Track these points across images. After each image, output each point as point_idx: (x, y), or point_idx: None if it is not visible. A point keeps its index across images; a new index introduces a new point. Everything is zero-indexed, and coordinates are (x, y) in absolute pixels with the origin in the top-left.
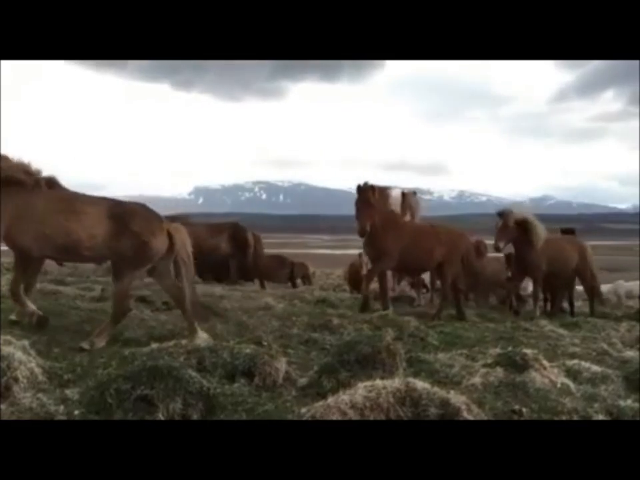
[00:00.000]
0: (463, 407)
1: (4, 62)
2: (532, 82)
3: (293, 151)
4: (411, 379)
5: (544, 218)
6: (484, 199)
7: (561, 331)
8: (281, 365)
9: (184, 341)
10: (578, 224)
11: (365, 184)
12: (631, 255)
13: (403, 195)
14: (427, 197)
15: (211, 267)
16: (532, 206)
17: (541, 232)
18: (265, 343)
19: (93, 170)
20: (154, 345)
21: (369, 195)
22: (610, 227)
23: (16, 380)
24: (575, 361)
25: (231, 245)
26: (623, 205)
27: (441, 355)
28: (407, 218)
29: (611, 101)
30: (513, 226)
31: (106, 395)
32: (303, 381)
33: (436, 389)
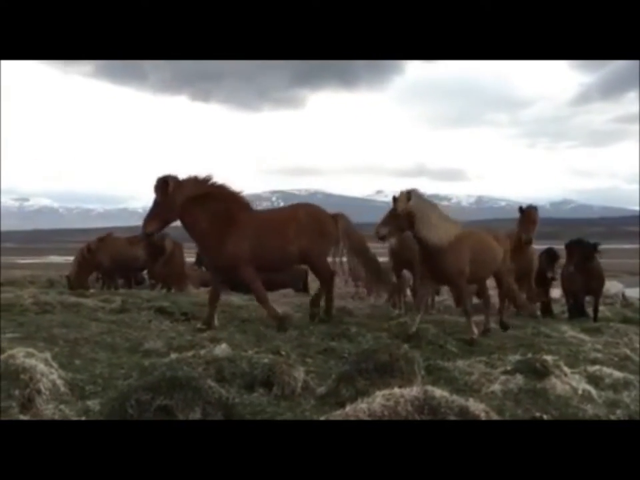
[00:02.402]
0: (482, 414)
1: (8, 62)
2: (553, 84)
3: (310, 159)
4: (429, 387)
5: (565, 222)
6: (503, 203)
7: (583, 336)
8: (299, 374)
9: (203, 352)
10: (599, 227)
11: (165, 177)
12: None
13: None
14: (445, 203)
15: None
16: (552, 210)
17: (435, 230)
18: (283, 353)
19: (114, 183)
20: (173, 356)
21: (162, 191)
22: (632, 229)
23: (38, 392)
24: (597, 367)
25: (147, 253)
26: None
27: (459, 362)
28: None
29: (633, 102)
30: (405, 216)
31: (126, 405)
32: (321, 390)
33: (455, 396)
